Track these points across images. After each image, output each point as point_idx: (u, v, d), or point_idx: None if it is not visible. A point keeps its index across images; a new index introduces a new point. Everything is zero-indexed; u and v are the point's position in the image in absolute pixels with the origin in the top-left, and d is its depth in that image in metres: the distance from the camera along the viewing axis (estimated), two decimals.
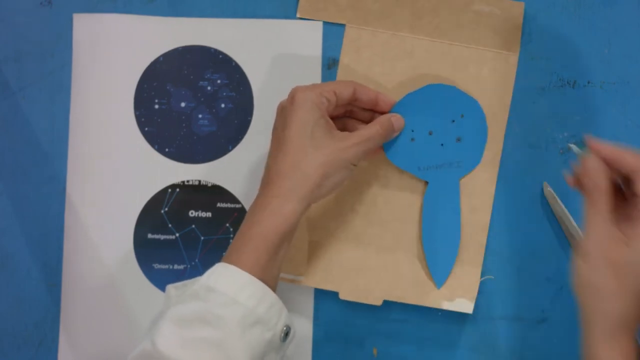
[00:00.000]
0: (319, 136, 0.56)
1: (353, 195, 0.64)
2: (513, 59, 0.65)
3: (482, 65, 0.64)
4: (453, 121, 0.63)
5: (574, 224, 0.64)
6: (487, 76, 0.64)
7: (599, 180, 0.50)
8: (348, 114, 0.62)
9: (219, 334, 0.50)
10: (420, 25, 0.65)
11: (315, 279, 0.63)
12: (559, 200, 0.64)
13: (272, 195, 0.55)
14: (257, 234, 0.54)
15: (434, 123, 0.62)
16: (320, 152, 0.55)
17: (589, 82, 0.65)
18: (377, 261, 0.63)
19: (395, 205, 0.64)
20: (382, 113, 0.61)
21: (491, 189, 0.64)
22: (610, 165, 0.51)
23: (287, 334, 0.54)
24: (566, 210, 0.64)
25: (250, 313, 0.52)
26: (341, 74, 0.65)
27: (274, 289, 0.54)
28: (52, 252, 0.66)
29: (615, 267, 0.49)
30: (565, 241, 0.64)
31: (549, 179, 0.65)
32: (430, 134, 0.62)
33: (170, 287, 0.55)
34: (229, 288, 0.52)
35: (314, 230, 0.64)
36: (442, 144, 0.63)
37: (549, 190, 0.64)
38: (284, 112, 0.57)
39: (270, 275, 0.54)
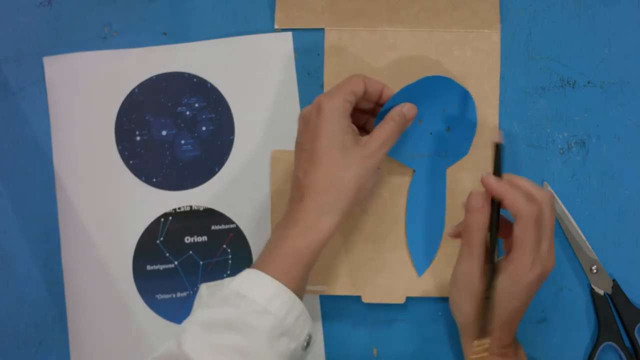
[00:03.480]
0: (348, 147, 0.55)
1: None
2: (495, 36, 0.65)
3: (465, 47, 0.64)
4: (444, 110, 0.62)
5: (574, 223, 0.64)
6: (472, 57, 0.65)
7: (476, 222, 0.54)
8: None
9: (247, 343, 0.50)
10: (398, 18, 0.65)
11: (338, 287, 0.63)
12: (559, 200, 0.64)
13: (307, 211, 0.54)
14: (292, 249, 0.54)
15: (424, 112, 0.62)
16: (351, 164, 0.55)
17: (589, 82, 0.65)
18: (393, 258, 0.64)
19: (402, 198, 0.64)
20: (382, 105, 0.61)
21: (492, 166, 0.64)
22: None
23: (308, 343, 0.54)
24: (566, 210, 0.64)
25: (280, 324, 0.51)
26: (327, 78, 0.65)
27: (301, 298, 0.54)
28: (52, 252, 0.66)
29: (473, 297, 0.55)
30: (565, 241, 0.64)
31: (549, 179, 0.65)
32: (420, 123, 0.62)
33: (203, 286, 0.54)
34: (261, 296, 0.51)
35: None
36: (430, 133, 0.62)
37: (549, 190, 0.64)
38: (310, 124, 0.56)
39: (301, 287, 0.54)
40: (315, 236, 0.54)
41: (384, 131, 0.57)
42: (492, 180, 0.54)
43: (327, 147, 0.55)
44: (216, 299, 0.52)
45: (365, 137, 0.57)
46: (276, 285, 0.52)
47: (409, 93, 0.61)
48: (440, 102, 0.62)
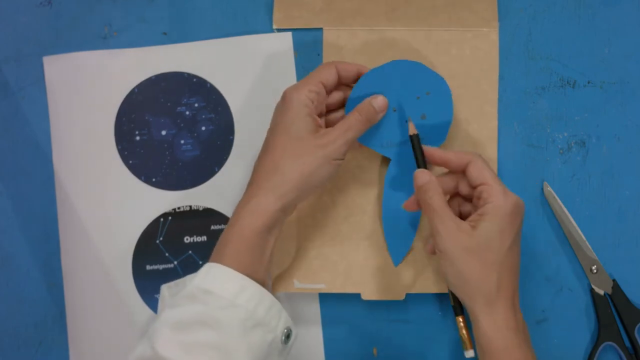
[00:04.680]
0: (302, 135, 0.56)
1: (360, 195, 0.64)
2: (493, 34, 0.65)
3: (464, 46, 0.64)
4: (418, 97, 0.61)
5: (574, 223, 0.64)
6: (470, 55, 0.64)
7: (431, 190, 0.55)
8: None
9: (220, 337, 0.50)
10: (396, 17, 0.65)
11: (337, 284, 0.63)
12: (559, 200, 0.64)
13: (252, 195, 0.55)
14: (235, 233, 0.54)
15: (398, 99, 0.61)
16: (300, 151, 0.55)
17: (589, 82, 0.65)
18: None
19: None
20: None
21: (493, 165, 0.64)
22: (445, 166, 0.58)
23: (288, 336, 0.54)
24: (566, 210, 0.64)
25: (251, 316, 0.51)
26: None
27: (267, 287, 0.54)
28: (52, 252, 0.66)
29: (472, 252, 0.53)
30: (565, 241, 0.64)
31: (549, 179, 0.65)
32: (394, 110, 0.61)
33: (164, 287, 0.55)
34: (227, 291, 0.52)
35: (327, 236, 0.64)
36: (406, 121, 0.61)
37: (549, 190, 0.64)
38: (274, 115, 0.58)
39: (259, 275, 0.54)
40: (255, 217, 0.54)
41: (345, 122, 0.57)
42: (432, 149, 0.58)
43: (279, 134, 0.56)
44: (181, 297, 0.52)
45: (328, 129, 0.57)
46: (240, 278, 0.52)
47: (378, 77, 0.60)
48: (414, 89, 0.61)
